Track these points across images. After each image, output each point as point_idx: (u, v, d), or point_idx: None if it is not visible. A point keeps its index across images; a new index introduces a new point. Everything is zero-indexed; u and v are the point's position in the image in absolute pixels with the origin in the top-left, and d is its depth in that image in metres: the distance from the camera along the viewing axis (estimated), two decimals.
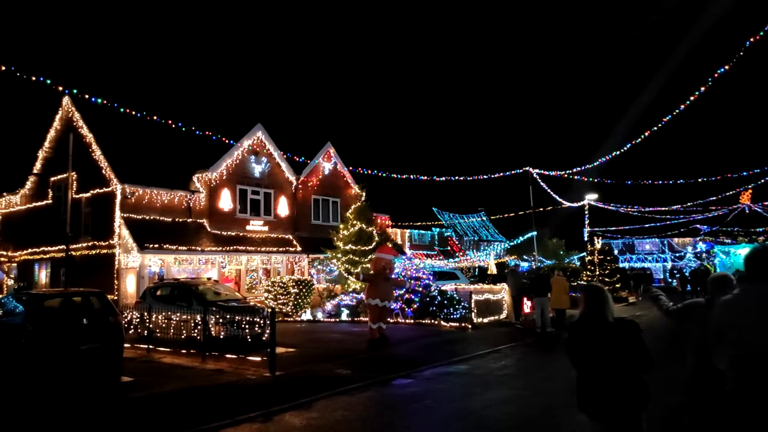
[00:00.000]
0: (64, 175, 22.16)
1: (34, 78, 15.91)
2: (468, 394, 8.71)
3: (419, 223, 43.49)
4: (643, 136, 22.94)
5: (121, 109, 19.33)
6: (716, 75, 17.09)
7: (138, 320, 14.91)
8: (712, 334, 4.31)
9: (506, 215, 46.49)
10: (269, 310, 12.05)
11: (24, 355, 9.84)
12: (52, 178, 24.20)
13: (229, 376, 10.21)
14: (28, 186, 26.31)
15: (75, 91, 18.70)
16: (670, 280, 45.87)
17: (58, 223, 22.13)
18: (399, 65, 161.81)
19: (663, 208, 39.47)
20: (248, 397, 8.59)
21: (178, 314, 13.87)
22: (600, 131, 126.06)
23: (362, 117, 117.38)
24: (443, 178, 28.78)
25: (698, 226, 45.81)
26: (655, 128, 21.43)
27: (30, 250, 25.27)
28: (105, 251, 21.11)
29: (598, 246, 30.58)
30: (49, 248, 23.56)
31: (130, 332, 14.53)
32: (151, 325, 13.91)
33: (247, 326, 12.78)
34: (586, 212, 31.90)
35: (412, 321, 18.00)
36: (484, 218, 53.49)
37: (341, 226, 22.73)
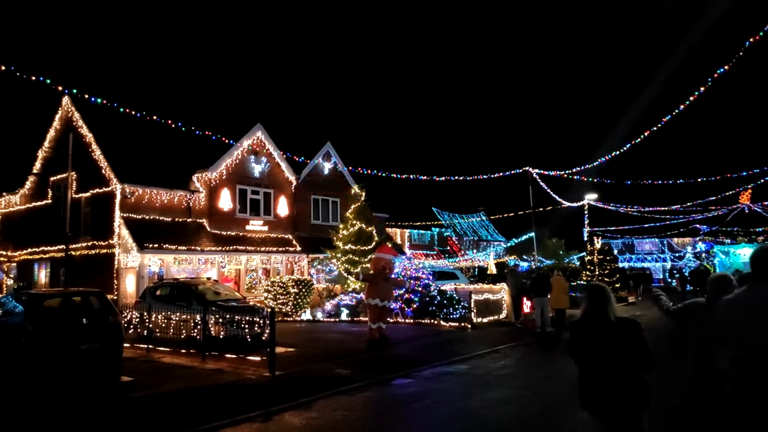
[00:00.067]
0: (64, 175, 22.15)
1: (33, 78, 15.90)
2: (468, 393, 8.70)
3: (419, 223, 43.51)
4: (642, 136, 22.94)
5: (121, 109, 19.33)
6: (716, 75, 17.10)
7: (138, 320, 14.90)
8: (713, 333, 4.30)
9: (506, 215, 46.46)
10: (269, 309, 12.05)
11: (24, 354, 9.84)
12: (52, 178, 24.19)
13: (228, 376, 10.20)
14: (27, 186, 26.30)
15: (75, 90, 18.70)
16: (669, 280, 45.90)
17: (58, 223, 22.11)
18: (399, 65, 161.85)
19: (662, 208, 39.49)
20: (248, 396, 8.59)
21: (178, 314, 13.87)
22: (600, 131, 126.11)
23: (362, 117, 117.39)
24: (443, 178, 28.79)
25: (698, 226, 45.83)
26: (655, 128, 21.44)
27: (30, 250, 25.26)
28: (105, 251, 21.10)
29: (598, 246, 30.58)
30: (49, 248, 23.55)
31: (130, 332, 14.52)
32: (150, 325, 13.90)
33: (246, 326, 12.78)
34: (586, 212, 31.92)
35: (411, 321, 17.99)
36: (484, 218, 53.52)
37: (341, 226, 22.72)
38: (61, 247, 21.17)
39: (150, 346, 13.08)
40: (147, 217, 21.10)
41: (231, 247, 22.55)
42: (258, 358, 10.96)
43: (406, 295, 18.47)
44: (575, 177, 29.70)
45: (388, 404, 8.40)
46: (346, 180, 29.25)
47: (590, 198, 32.34)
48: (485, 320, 17.69)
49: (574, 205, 33.00)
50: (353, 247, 21.45)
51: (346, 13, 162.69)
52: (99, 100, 18.71)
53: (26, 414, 8.02)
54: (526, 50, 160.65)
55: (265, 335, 11.07)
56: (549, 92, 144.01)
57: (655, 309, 5.48)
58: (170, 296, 15.04)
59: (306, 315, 20.39)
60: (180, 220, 22.11)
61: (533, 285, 16.83)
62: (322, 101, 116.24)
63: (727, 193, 36.91)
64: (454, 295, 18.27)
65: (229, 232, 23.35)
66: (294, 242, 25.68)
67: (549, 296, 16.45)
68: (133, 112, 19.72)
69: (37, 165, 25.18)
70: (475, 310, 17.37)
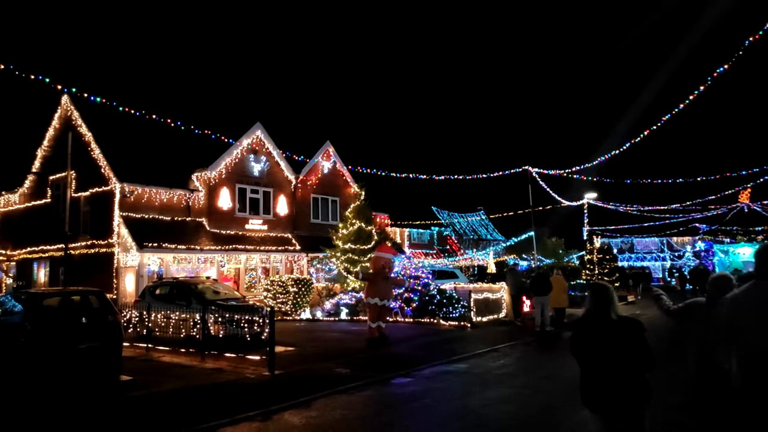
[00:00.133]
0: (63, 174, 22.13)
1: (33, 77, 15.87)
2: (467, 392, 8.70)
3: (418, 222, 43.48)
4: (642, 135, 22.88)
5: (120, 108, 19.27)
6: (715, 74, 17.07)
7: (137, 319, 14.89)
8: (714, 333, 4.30)
9: (505, 214, 46.46)
10: (268, 308, 12.03)
11: (23, 354, 9.83)
12: (51, 177, 24.17)
13: (228, 375, 10.20)
14: (27, 185, 26.27)
15: (74, 89, 18.64)
16: (669, 279, 45.93)
17: (57, 222, 22.10)
18: (398, 65, 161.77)
19: (662, 207, 39.48)
20: (247, 396, 8.58)
21: (177, 313, 13.86)
22: (599, 130, 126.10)
23: (361, 116, 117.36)
24: (442, 177, 28.71)
25: (697, 225, 45.87)
26: (655, 127, 21.38)
27: (29, 249, 25.24)
28: (104, 250, 21.09)
29: (597, 245, 30.60)
30: (48, 247, 23.53)
31: (129, 331, 14.51)
32: (150, 324, 13.89)
33: (246, 325, 12.76)
34: (585, 211, 31.91)
35: (411, 320, 18.00)
36: (483, 217, 53.52)
37: (340, 225, 22.72)
38: (60, 246, 21.16)
39: (149, 345, 13.08)
40: (146, 216, 21.09)
41: (230, 246, 22.54)
42: (257, 357, 10.96)
43: (406, 294, 18.47)
44: (575, 176, 29.64)
45: (387, 403, 8.40)
46: (346, 179, 29.24)
47: (590, 197, 32.33)
48: (485, 319, 17.69)
49: (574, 204, 32.97)
50: (353, 246, 21.45)
51: (345, 13, 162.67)
52: (98, 99, 18.66)
53: (26, 413, 8.01)
54: (526, 50, 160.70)
55: (265, 334, 11.06)
56: (549, 92, 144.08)
57: (655, 308, 5.48)
58: (169, 295, 15.03)
59: (305, 314, 20.38)
60: (179, 219, 22.10)
61: (533, 284, 16.84)
62: (321, 100, 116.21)
63: (726, 192, 36.92)
64: (454, 294, 18.27)
65: (228, 231, 23.34)
66: (293, 241, 25.67)
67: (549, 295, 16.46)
68: (133, 111, 19.67)
69: (37, 164, 25.16)
70: (474, 309, 17.38)
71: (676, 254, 48.22)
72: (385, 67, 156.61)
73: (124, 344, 11.68)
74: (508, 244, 44.37)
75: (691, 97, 19.03)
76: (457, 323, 17.01)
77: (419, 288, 18.66)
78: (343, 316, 19.63)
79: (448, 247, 44.22)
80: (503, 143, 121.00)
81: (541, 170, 28.34)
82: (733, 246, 42.70)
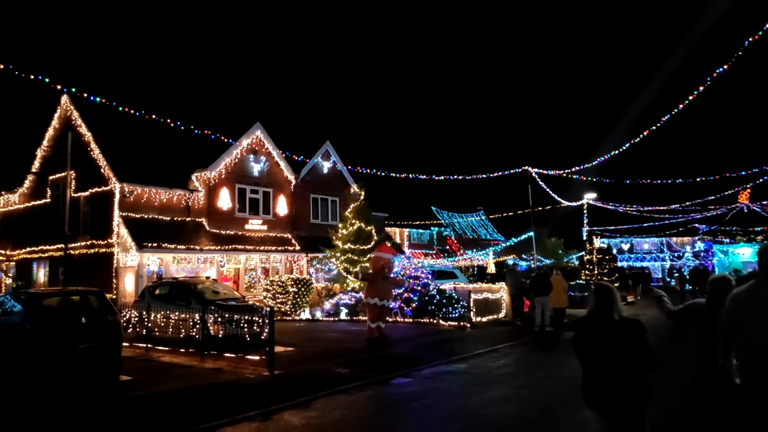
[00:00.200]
0: (63, 174, 22.11)
1: (32, 76, 15.88)
2: (467, 393, 8.71)
3: (418, 222, 43.51)
4: (642, 136, 22.90)
5: (120, 108, 19.30)
6: (715, 74, 17.09)
7: (137, 319, 14.89)
8: (722, 332, 4.31)
9: (505, 214, 46.51)
10: (268, 309, 12.02)
11: (22, 354, 9.82)
12: (51, 177, 24.15)
13: (227, 375, 10.20)
14: (26, 185, 26.25)
15: (74, 89, 18.67)
16: (668, 279, 45.95)
17: (57, 222, 22.09)
18: (398, 65, 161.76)
19: (662, 208, 39.52)
20: (247, 396, 8.58)
21: (177, 313, 13.86)
22: (599, 130, 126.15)
23: (361, 116, 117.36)
24: (442, 177, 28.74)
25: (697, 225, 45.88)
26: (654, 128, 21.41)
27: (28, 249, 25.23)
28: (103, 250, 21.08)
29: (597, 245, 30.60)
30: (48, 247, 23.52)
31: (129, 331, 14.51)
32: (149, 324, 13.88)
33: (245, 325, 12.75)
34: (585, 211, 31.91)
35: (410, 320, 17.99)
36: (483, 217, 53.55)
37: (340, 225, 22.72)
38: (60, 246, 21.15)
39: (149, 345, 13.08)
40: (146, 217, 21.08)
41: (230, 247, 22.53)
42: (257, 358, 10.95)
43: (405, 295, 18.47)
44: (574, 176, 29.65)
45: (387, 403, 8.40)
46: (345, 179, 29.23)
47: (589, 197, 32.34)
48: (484, 319, 17.70)
49: (574, 204, 32.99)
50: (352, 247, 21.44)
51: (345, 13, 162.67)
52: (98, 99, 18.68)
53: (25, 413, 8.01)
54: (526, 49, 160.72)
55: (264, 334, 11.05)
56: (548, 92, 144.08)
57: (655, 308, 5.49)
58: (169, 295, 15.02)
59: (305, 314, 20.38)
60: (179, 219, 22.10)
61: (534, 284, 16.83)
62: (321, 100, 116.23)
63: (726, 193, 36.96)
64: (453, 295, 18.27)
65: (228, 232, 23.33)
66: (293, 241, 25.67)
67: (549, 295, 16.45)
68: (132, 111, 19.71)
69: (36, 164, 25.15)
70: (474, 310, 17.38)
71: (676, 254, 48.23)
72: (385, 68, 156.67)
73: (124, 344, 11.67)
74: (507, 244, 44.39)
75: (690, 98, 19.05)
76: (456, 323, 17.01)
77: (419, 288, 18.66)
78: (343, 316, 19.63)
79: (447, 247, 44.24)
80: (503, 143, 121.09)
81: (541, 170, 28.37)
82: (732, 246, 42.73)
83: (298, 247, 25.37)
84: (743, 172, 31.20)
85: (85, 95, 18.42)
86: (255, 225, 24.85)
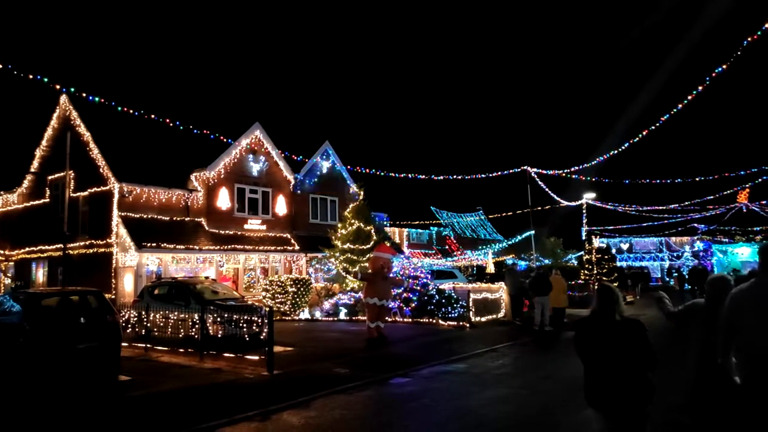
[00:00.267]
0: (62, 174, 22.09)
1: (31, 76, 15.88)
2: (466, 392, 8.71)
3: (417, 222, 43.51)
4: (641, 135, 22.93)
5: (119, 108, 19.31)
6: (714, 74, 17.11)
7: (136, 319, 14.88)
8: (722, 331, 4.31)
9: (504, 214, 46.59)
10: (267, 308, 12.02)
11: (21, 354, 9.81)
12: (50, 177, 24.13)
13: (226, 375, 10.19)
14: (25, 185, 26.23)
15: (72, 89, 18.69)
16: (667, 279, 45.96)
17: (56, 222, 22.07)
18: (398, 65, 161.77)
19: (661, 207, 39.56)
20: (246, 396, 8.58)
21: (176, 313, 13.85)
22: (598, 130, 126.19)
23: (360, 116, 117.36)
24: (441, 177, 28.78)
25: (696, 225, 45.91)
26: (653, 127, 21.43)
27: (27, 249, 25.20)
28: (102, 250, 21.07)
29: (596, 245, 30.59)
30: (47, 247, 23.50)
31: (128, 331, 14.51)
32: (148, 324, 13.87)
33: (245, 325, 12.76)
34: (584, 211, 31.92)
35: (410, 320, 17.99)
36: (482, 217, 53.52)
37: (339, 225, 22.72)
38: (58, 246, 21.13)
39: (148, 345, 13.07)
40: (145, 216, 21.07)
41: (229, 246, 22.52)
42: (256, 357, 10.95)
43: (405, 294, 18.47)
44: (574, 176, 29.71)
45: (386, 403, 8.40)
46: (345, 179, 29.24)
47: (588, 197, 32.34)
48: (483, 319, 17.70)
49: (573, 204, 33.01)
50: (351, 246, 21.44)
51: (345, 13, 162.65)
52: (97, 99, 18.68)
53: (25, 413, 8.00)
54: (525, 49, 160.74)
55: (264, 334, 11.05)
56: (547, 91, 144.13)
57: (655, 308, 5.50)
58: (168, 295, 15.02)
59: (304, 314, 20.38)
60: (178, 219, 22.08)
61: (533, 284, 16.84)
62: (320, 100, 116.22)
63: (725, 193, 37.02)
64: (453, 294, 18.27)
65: (227, 231, 23.32)
66: (292, 241, 25.66)
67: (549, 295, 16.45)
68: (131, 111, 19.71)
69: (35, 164, 25.12)
70: (473, 309, 17.38)
71: (675, 254, 48.25)
72: (385, 68, 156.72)
73: (123, 344, 11.68)
74: (507, 244, 44.38)
75: (689, 97, 19.07)
76: (455, 323, 17.01)
77: (418, 288, 18.66)
78: (342, 316, 19.62)
79: (447, 247, 44.21)
80: (502, 143, 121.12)
81: (540, 170, 28.41)
82: (731, 246, 42.74)
83: (297, 247, 25.37)
84: (742, 172, 31.28)
85: (84, 95, 18.43)
86: (254, 225, 24.84)
